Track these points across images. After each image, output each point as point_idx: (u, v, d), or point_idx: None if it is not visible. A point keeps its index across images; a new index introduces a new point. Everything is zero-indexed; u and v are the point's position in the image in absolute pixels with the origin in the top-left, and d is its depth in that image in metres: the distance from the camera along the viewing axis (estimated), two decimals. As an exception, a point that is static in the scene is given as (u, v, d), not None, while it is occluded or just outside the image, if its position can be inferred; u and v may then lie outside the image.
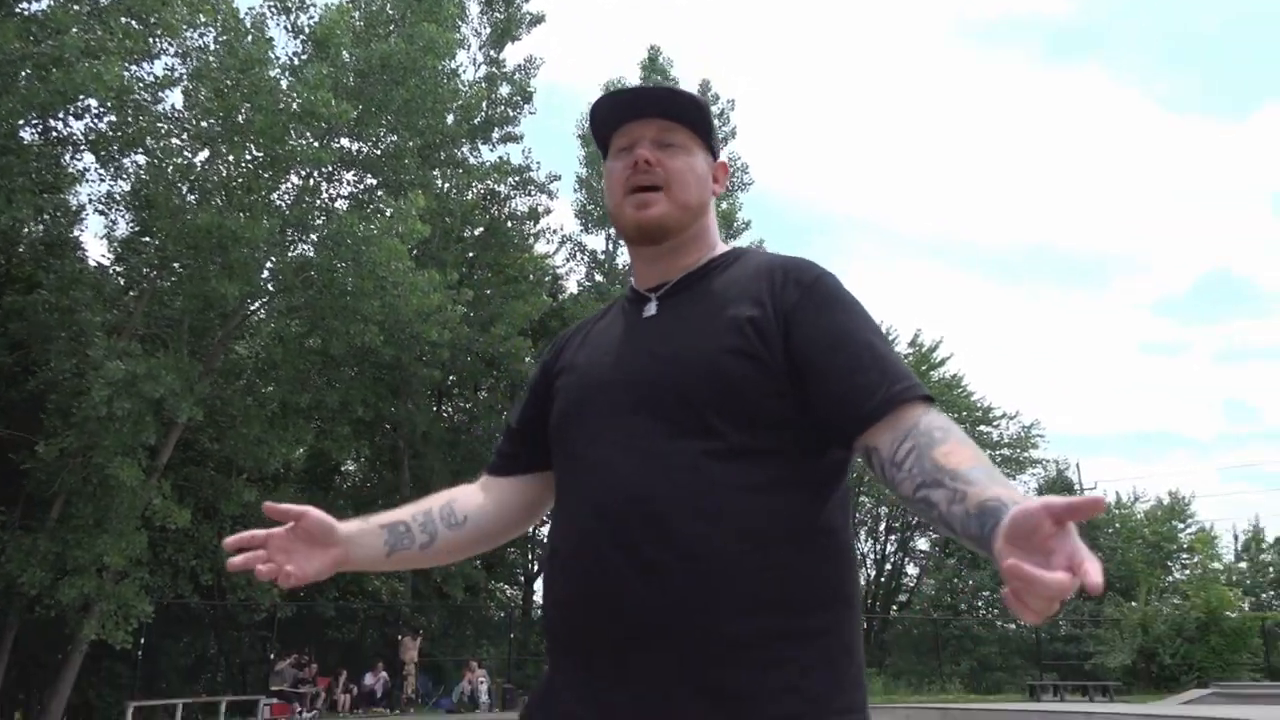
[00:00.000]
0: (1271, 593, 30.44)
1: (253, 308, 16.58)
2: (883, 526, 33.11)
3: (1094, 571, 0.91)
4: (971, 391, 34.00)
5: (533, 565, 24.78)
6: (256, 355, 17.81)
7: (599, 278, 25.96)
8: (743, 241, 23.31)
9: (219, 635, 19.09)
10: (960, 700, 20.52)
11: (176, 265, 15.10)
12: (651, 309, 1.49)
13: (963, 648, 28.95)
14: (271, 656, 16.83)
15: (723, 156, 1.64)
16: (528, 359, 19.27)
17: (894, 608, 33.32)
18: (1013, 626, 30.34)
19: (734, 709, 1.20)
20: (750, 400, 1.32)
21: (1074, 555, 0.93)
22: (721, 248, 1.56)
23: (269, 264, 15.61)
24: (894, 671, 26.73)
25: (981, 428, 34.16)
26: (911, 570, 34.49)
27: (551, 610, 1.40)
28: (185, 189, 14.47)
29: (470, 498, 1.59)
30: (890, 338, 36.84)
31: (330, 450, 18.74)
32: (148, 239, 15.54)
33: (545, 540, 1.42)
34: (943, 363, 33.84)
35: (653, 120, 1.50)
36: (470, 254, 21.69)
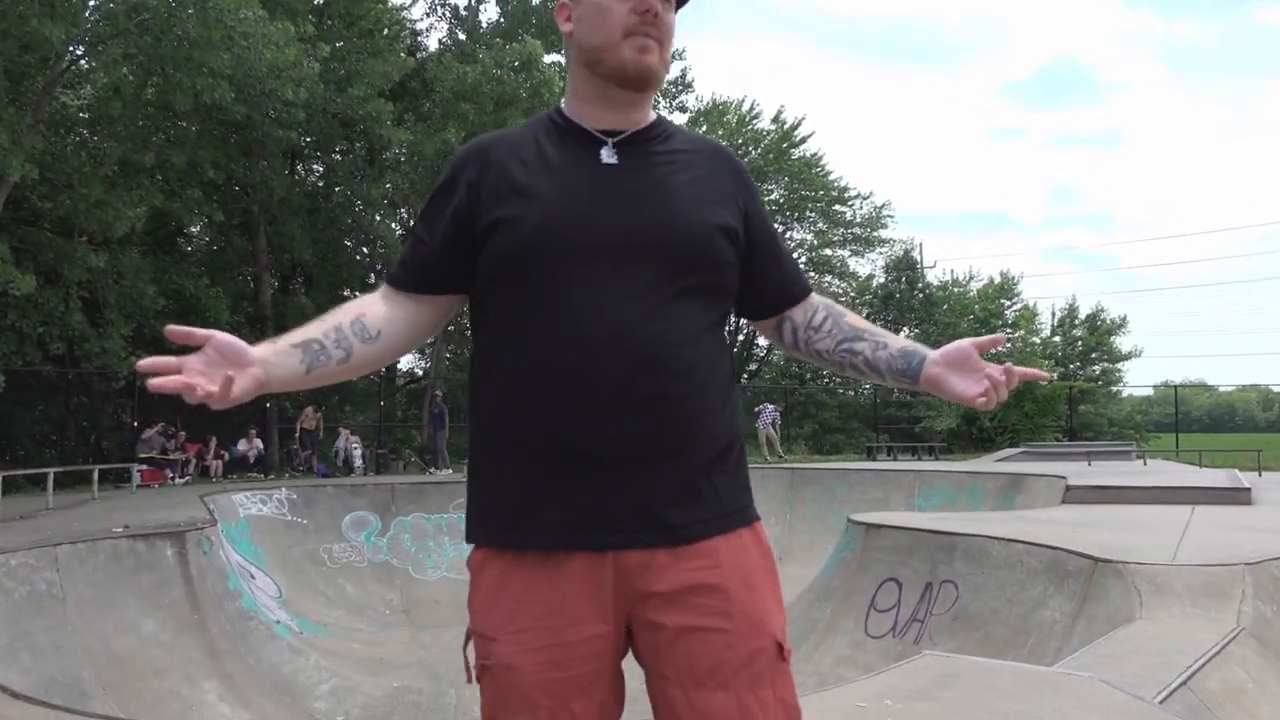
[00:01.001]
0: (1078, 364, 33.72)
1: (78, 52, 14.88)
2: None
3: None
4: (829, 171, 34.67)
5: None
6: (90, 107, 16.18)
7: (461, 35, 24.41)
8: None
9: (74, 404, 18.45)
10: (805, 460, 22.30)
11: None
12: (611, 157, 1.53)
13: (807, 413, 31.22)
14: (135, 424, 16.44)
15: None
16: (388, 122, 18.33)
17: (745, 375, 35.15)
18: (852, 393, 32.75)
19: (712, 502, 1.49)
20: (725, 272, 1.56)
21: (1007, 368, 1.51)
22: None
23: (93, 1, 13.93)
24: (745, 435, 28.65)
25: (837, 207, 35.15)
26: (762, 341, 36.16)
27: (524, 432, 1.45)
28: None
29: (378, 310, 1.57)
30: (754, 114, 36.57)
31: (179, 213, 17.65)
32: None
33: (494, 367, 1.42)
34: (803, 141, 34.13)
35: None
36: (319, 1, 19.86)
